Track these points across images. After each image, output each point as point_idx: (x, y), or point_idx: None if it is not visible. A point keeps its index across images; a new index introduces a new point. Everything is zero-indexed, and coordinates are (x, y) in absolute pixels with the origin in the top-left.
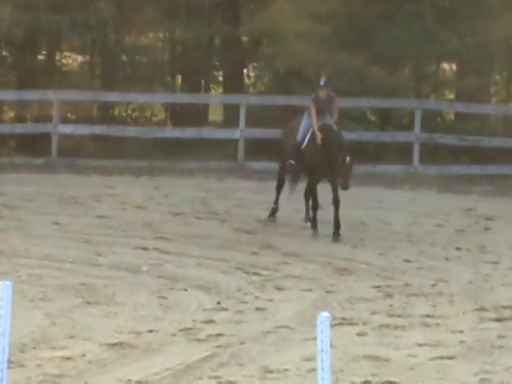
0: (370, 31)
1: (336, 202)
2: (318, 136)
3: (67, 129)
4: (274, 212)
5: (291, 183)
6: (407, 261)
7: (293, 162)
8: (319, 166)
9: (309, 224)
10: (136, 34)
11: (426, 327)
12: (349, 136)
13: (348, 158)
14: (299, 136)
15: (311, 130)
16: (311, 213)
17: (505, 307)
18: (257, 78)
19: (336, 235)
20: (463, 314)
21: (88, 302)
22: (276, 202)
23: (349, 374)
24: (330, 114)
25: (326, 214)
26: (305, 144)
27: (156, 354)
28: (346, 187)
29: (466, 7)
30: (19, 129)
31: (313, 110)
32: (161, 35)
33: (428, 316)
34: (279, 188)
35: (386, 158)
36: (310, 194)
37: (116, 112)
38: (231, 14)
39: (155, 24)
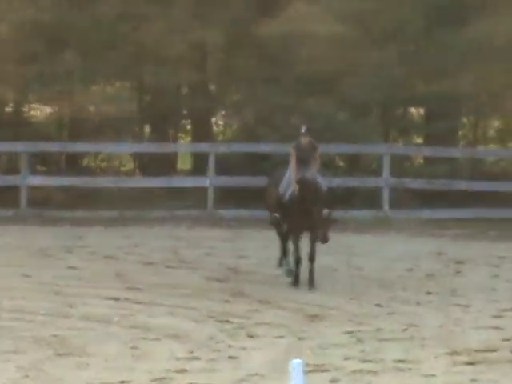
0: (337, 77)
1: (311, 258)
2: (296, 188)
3: (36, 180)
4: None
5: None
6: (379, 306)
7: (277, 215)
8: (298, 219)
9: (283, 269)
10: (103, 83)
11: (399, 372)
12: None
13: (325, 211)
14: (282, 188)
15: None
16: (288, 260)
17: (476, 350)
18: (225, 125)
19: (311, 287)
20: (435, 358)
21: (59, 354)
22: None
23: None
24: (312, 162)
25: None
26: (286, 196)
27: None
28: (323, 240)
29: (432, 53)
30: None
31: (293, 160)
32: (128, 84)
33: (400, 361)
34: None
35: (356, 204)
36: (293, 245)
37: (85, 162)
38: (199, 61)
39: (122, 73)
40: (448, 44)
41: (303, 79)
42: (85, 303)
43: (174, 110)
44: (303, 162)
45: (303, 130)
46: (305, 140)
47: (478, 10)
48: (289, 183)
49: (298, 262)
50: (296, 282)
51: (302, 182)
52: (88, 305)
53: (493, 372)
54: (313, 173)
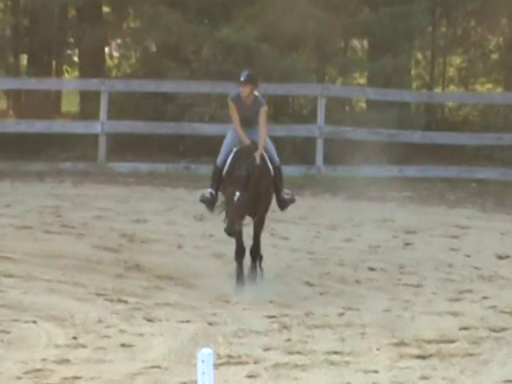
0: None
1: (252, 251)
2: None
3: None
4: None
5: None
6: (309, 284)
7: (212, 191)
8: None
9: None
10: None
11: (333, 366)
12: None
13: (237, 194)
14: (220, 157)
15: (234, 151)
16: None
17: (429, 341)
18: (122, 58)
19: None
20: (378, 349)
21: None
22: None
23: None
24: (255, 123)
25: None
26: (225, 169)
27: None
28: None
29: None
30: None
31: (235, 119)
32: (1, 4)
33: (335, 353)
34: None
35: (283, 158)
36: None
37: None
38: None
39: None
40: None
41: (217, 2)
42: None
43: (58, 37)
44: (247, 123)
45: (243, 78)
46: (245, 91)
47: None
48: (228, 151)
49: (239, 255)
50: (239, 281)
51: (243, 153)
52: None
53: (448, 367)
54: (261, 145)
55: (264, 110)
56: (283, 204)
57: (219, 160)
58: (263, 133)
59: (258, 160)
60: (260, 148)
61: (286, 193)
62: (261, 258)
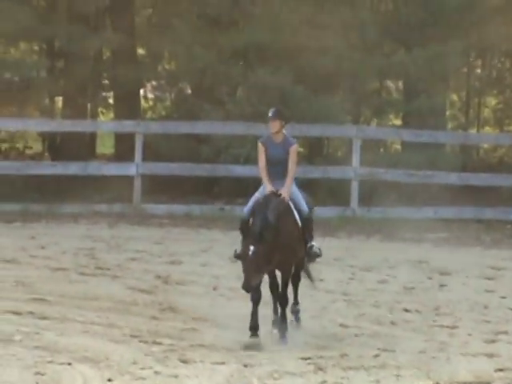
0: (296, 42)
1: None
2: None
3: None
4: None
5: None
6: (344, 326)
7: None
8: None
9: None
10: (5, 45)
11: None
12: None
13: (251, 248)
14: (247, 206)
15: (255, 201)
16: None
17: (464, 383)
18: (156, 99)
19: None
20: None
21: None
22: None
23: None
24: (285, 167)
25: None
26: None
27: None
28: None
29: (415, 10)
30: None
31: (261, 160)
32: (36, 47)
33: None
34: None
35: (317, 199)
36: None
37: None
38: (124, 19)
39: (28, 32)
40: None
41: (252, 44)
42: None
43: (93, 79)
44: (277, 162)
45: (271, 114)
46: (275, 127)
47: None
48: (255, 202)
49: (255, 301)
50: (253, 330)
51: (263, 203)
52: None
53: None
54: (288, 186)
55: (294, 148)
56: (309, 258)
57: (245, 210)
58: (291, 172)
59: (286, 197)
60: (285, 189)
61: (314, 246)
62: (297, 312)
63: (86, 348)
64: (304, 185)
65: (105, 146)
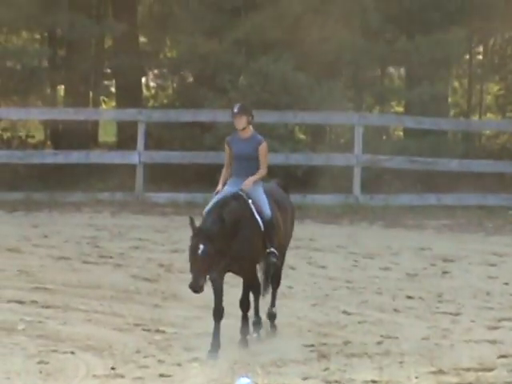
0: (298, 29)
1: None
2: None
3: None
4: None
5: None
6: (347, 313)
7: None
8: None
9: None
10: (7, 33)
11: None
12: (272, 159)
13: (201, 246)
14: (207, 206)
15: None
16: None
17: (467, 369)
18: (159, 88)
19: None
20: (416, 378)
21: None
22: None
23: None
24: (253, 166)
25: None
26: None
27: None
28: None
29: None
30: None
31: (226, 162)
32: (38, 35)
33: (373, 381)
34: None
35: (320, 186)
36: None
37: None
38: (126, 8)
39: (30, 20)
40: None
41: (254, 31)
42: None
43: (95, 67)
44: (245, 161)
45: (236, 110)
46: (240, 124)
47: None
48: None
49: (217, 316)
50: (213, 344)
51: (218, 205)
52: None
53: None
54: (252, 180)
55: (264, 147)
56: (269, 261)
57: (205, 210)
58: (262, 170)
59: (246, 186)
60: (248, 181)
61: (273, 253)
62: (273, 317)
63: (89, 337)
64: (307, 172)
65: (107, 135)
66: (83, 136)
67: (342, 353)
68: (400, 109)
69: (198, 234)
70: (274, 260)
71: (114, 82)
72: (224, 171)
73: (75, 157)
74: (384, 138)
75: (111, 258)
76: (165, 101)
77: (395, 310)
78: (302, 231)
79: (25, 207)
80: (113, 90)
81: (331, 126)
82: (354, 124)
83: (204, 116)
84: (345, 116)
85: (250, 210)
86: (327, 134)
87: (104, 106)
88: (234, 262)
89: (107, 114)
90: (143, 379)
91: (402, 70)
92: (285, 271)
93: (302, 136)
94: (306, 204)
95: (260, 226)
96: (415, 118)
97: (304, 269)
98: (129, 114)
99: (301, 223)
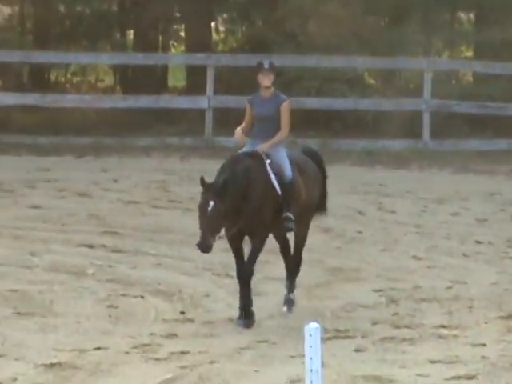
0: None
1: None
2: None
3: None
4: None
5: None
6: (416, 258)
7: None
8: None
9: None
10: None
11: (440, 340)
12: (342, 104)
13: (211, 203)
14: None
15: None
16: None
17: None
18: (227, 32)
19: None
20: (485, 323)
21: (20, 313)
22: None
23: None
24: (275, 127)
25: None
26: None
27: (105, 376)
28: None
29: None
30: None
31: (245, 120)
32: None
33: (442, 326)
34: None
35: (389, 132)
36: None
37: (52, 77)
38: None
39: None
40: None
41: None
42: (51, 251)
43: (165, 12)
44: (266, 121)
45: (267, 65)
46: (268, 80)
47: None
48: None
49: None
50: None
51: (229, 163)
52: (55, 253)
53: None
54: (271, 143)
55: (286, 105)
56: (284, 226)
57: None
58: (283, 132)
59: (262, 150)
60: (266, 144)
61: (289, 217)
62: (291, 303)
63: (158, 281)
64: (376, 117)
65: (176, 79)
66: (152, 81)
67: (411, 298)
68: (469, 53)
69: (208, 191)
70: (290, 226)
71: (183, 26)
72: (244, 129)
73: (144, 101)
74: (453, 82)
75: (180, 202)
76: (234, 45)
77: (464, 255)
78: (371, 176)
79: (94, 152)
80: (182, 34)
81: (400, 70)
82: (423, 69)
83: (273, 60)
84: (414, 61)
85: (266, 169)
86: (396, 79)
87: (173, 50)
88: (245, 224)
89: (176, 59)
90: (213, 323)
91: (472, 14)
92: (353, 215)
93: (371, 81)
94: (375, 150)
95: (275, 188)
96: (485, 62)
97: (373, 214)
98: (198, 58)
99: (370, 169)
